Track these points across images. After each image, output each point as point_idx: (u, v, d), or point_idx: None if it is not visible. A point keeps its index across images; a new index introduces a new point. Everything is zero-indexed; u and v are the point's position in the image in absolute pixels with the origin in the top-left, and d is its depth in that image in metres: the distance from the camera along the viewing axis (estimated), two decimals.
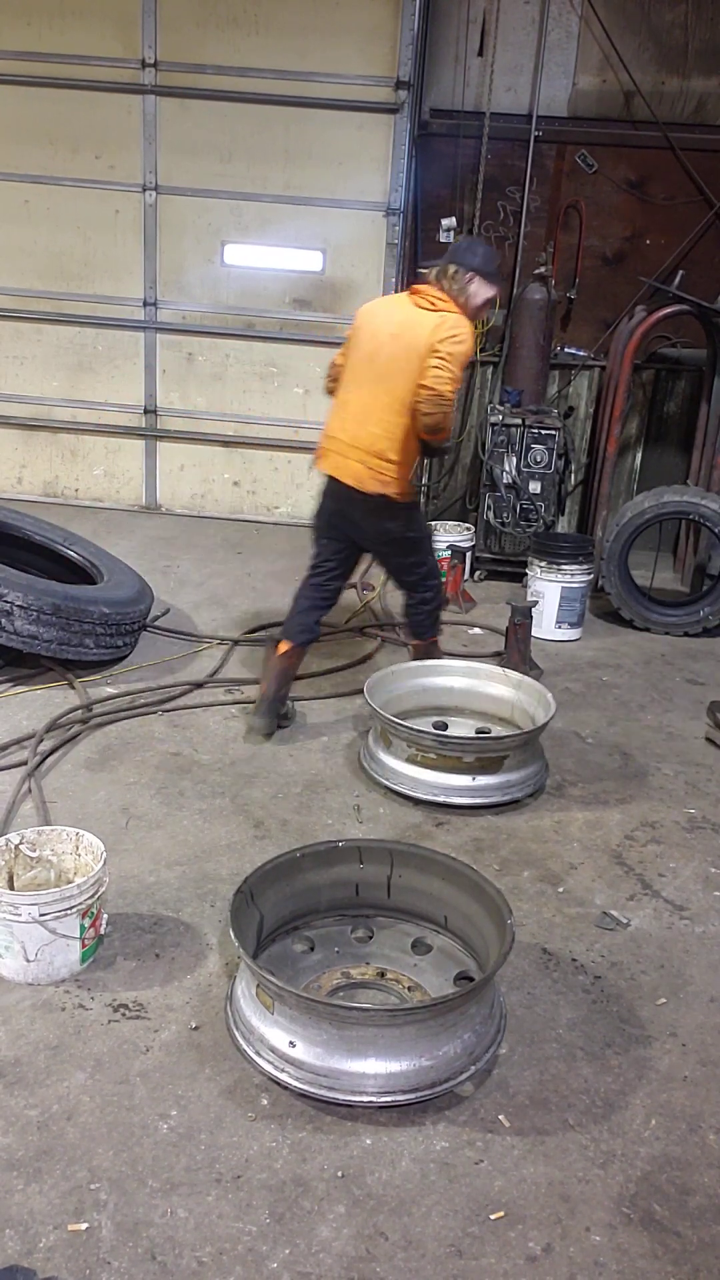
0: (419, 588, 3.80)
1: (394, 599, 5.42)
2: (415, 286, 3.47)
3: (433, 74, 6.46)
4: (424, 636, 3.96)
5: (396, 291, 6.34)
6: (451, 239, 6.58)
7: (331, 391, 3.68)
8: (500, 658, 4.49)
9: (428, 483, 7.02)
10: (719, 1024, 2.41)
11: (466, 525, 6.12)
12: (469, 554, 5.67)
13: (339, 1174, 1.95)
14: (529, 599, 4.73)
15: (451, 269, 3.42)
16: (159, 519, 6.73)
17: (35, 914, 2.31)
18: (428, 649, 4.00)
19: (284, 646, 3.68)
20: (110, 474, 6.88)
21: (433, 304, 3.38)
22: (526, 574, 5.17)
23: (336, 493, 3.56)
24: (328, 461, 3.55)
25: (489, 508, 5.69)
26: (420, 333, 3.33)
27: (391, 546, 3.65)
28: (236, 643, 4.60)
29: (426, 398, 3.31)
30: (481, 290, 3.45)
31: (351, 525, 3.62)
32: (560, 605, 4.94)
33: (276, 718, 3.71)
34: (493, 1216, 1.87)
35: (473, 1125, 2.08)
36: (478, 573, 5.90)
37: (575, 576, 4.93)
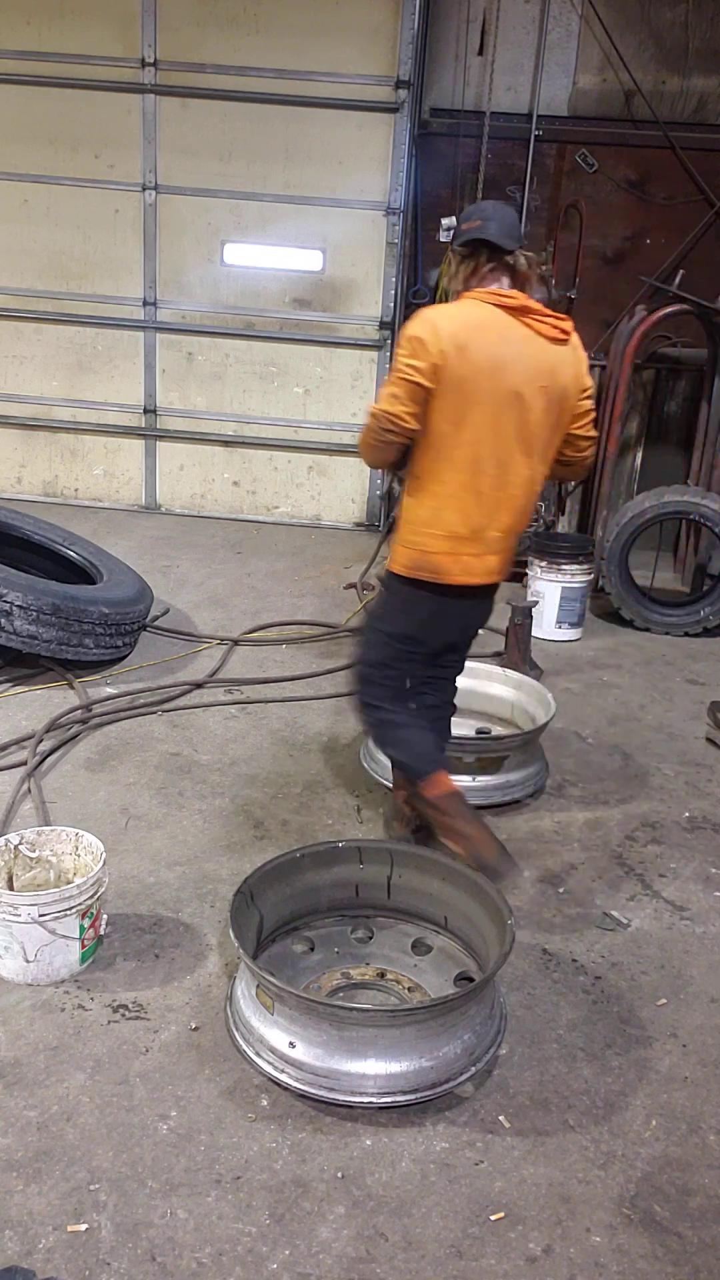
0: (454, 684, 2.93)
1: None
2: (521, 301, 2.48)
3: (433, 73, 6.46)
4: (446, 762, 2.77)
5: (396, 292, 6.33)
6: (451, 238, 6.58)
7: (391, 463, 2.65)
8: (500, 658, 4.48)
9: None
10: (719, 1025, 2.41)
11: None
12: None
13: (339, 1175, 1.94)
14: (529, 599, 4.72)
15: (525, 260, 2.54)
16: (159, 519, 6.73)
17: (35, 914, 2.31)
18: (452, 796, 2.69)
19: (445, 778, 2.67)
20: (110, 474, 6.88)
21: (563, 331, 2.51)
22: (526, 574, 5.16)
23: (467, 595, 2.63)
24: (468, 569, 2.57)
25: None
26: (569, 378, 2.52)
27: (472, 633, 2.84)
28: (236, 643, 4.60)
29: (590, 448, 2.68)
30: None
31: (471, 625, 2.77)
32: (560, 605, 4.94)
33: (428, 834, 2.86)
34: (493, 1217, 1.87)
35: (473, 1126, 2.07)
36: None
37: (575, 576, 4.93)
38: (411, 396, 2.45)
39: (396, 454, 2.60)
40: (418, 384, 2.43)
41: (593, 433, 2.67)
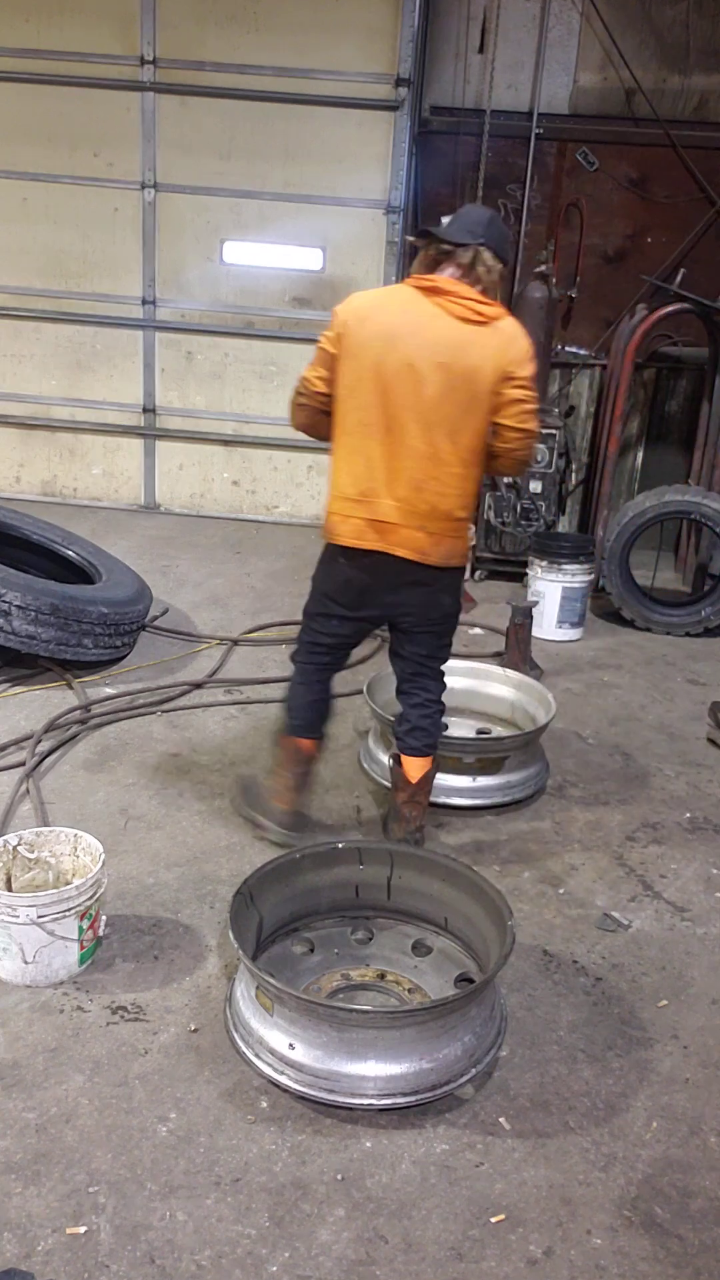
0: (440, 678, 2.97)
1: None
2: (434, 282, 2.54)
3: (433, 71, 6.45)
4: (428, 751, 2.94)
5: None
6: None
7: (306, 425, 2.79)
8: (500, 658, 4.48)
9: None
10: None
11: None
12: (469, 554, 5.65)
13: (339, 1177, 1.94)
14: (529, 599, 4.72)
15: (488, 257, 2.55)
16: (158, 518, 6.72)
17: (33, 916, 2.30)
18: (429, 781, 2.96)
19: (309, 745, 2.98)
20: (109, 473, 6.87)
21: (479, 314, 2.52)
22: (527, 574, 5.16)
23: (378, 569, 2.69)
24: (362, 532, 2.64)
25: (489, 507, 5.68)
26: (481, 358, 2.50)
27: (436, 625, 2.84)
28: (236, 643, 4.59)
29: (523, 441, 2.61)
30: (500, 290, 2.66)
31: (393, 606, 2.78)
32: (561, 605, 4.94)
33: (305, 825, 3.03)
34: (493, 1219, 1.87)
35: (473, 1128, 2.07)
36: (478, 573, 5.89)
37: (576, 576, 4.92)
38: (321, 362, 2.64)
39: (309, 417, 2.76)
40: (325, 350, 2.62)
41: (525, 425, 2.60)
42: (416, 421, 2.55)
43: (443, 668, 2.97)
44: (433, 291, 2.54)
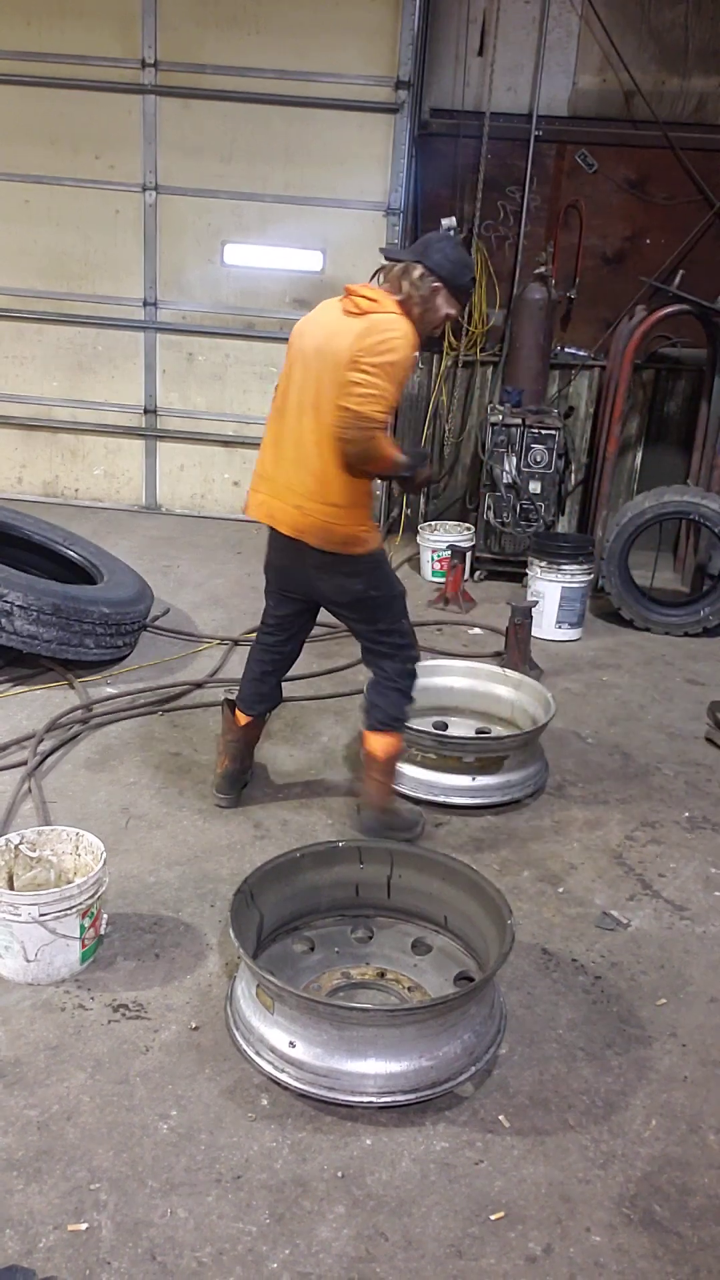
0: (394, 658, 2.99)
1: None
2: (349, 287, 2.76)
3: (433, 73, 6.46)
4: (389, 727, 3.00)
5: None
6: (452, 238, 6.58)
7: None
8: (500, 658, 4.49)
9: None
10: (719, 1024, 2.41)
11: (466, 525, 6.12)
12: (469, 554, 5.67)
13: (339, 1174, 1.94)
14: (529, 599, 4.73)
15: (417, 272, 2.71)
16: (159, 519, 6.73)
17: (35, 914, 2.31)
18: (388, 759, 3.03)
19: (243, 719, 3.18)
20: (110, 474, 6.88)
21: (359, 307, 2.69)
22: (526, 574, 5.17)
23: (279, 544, 2.92)
24: (259, 506, 2.89)
25: (489, 508, 5.69)
26: (343, 344, 2.65)
27: (354, 609, 2.94)
28: (236, 643, 4.60)
29: (342, 419, 2.62)
30: (444, 306, 2.77)
31: (303, 583, 2.94)
32: (560, 605, 4.94)
33: (241, 789, 3.27)
34: (493, 1217, 1.87)
35: (473, 1125, 2.07)
36: (478, 573, 5.90)
37: (575, 576, 4.93)
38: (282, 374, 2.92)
39: None
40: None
41: (351, 406, 2.60)
42: (297, 404, 2.78)
43: (400, 647, 2.99)
44: (346, 295, 2.77)
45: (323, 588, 2.91)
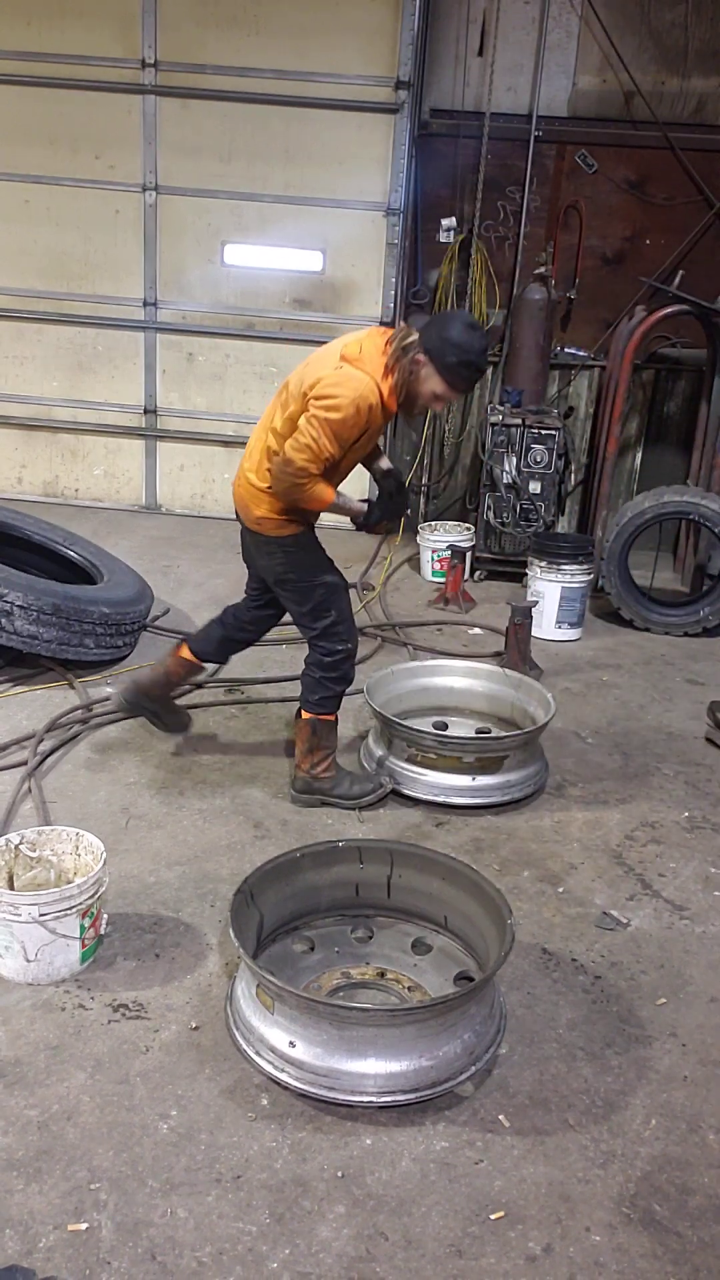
0: (315, 646, 3.16)
1: (393, 600, 5.42)
2: (372, 329, 2.95)
3: (433, 74, 6.46)
4: (307, 707, 3.20)
5: (397, 292, 6.35)
6: (451, 239, 6.58)
7: None
8: (500, 658, 4.49)
9: (427, 483, 7.01)
10: (719, 1024, 2.41)
11: (466, 525, 6.12)
12: (469, 554, 5.67)
13: (339, 1174, 1.95)
14: (529, 599, 4.73)
15: (411, 338, 2.78)
16: (159, 519, 6.73)
17: (35, 914, 2.31)
18: (311, 730, 3.21)
19: (184, 650, 3.41)
20: (110, 474, 6.88)
21: (346, 354, 2.83)
22: (526, 574, 5.17)
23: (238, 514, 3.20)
24: (237, 475, 3.17)
25: (489, 508, 5.69)
26: (312, 374, 2.84)
27: (279, 588, 3.16)
28: None
29: (274, 461, 2.85)
30: (430, 381, 2.81)
31: (248, 553, 3.23)
32: (560, 605, 4.94)
33: (139, 707, 3.44)
34: (493, 1216, 1.87)
35: (473, 1125, 2.07)
36: (478, 573, 5.90)
37: (575, 576, 4.93)
38: None
39: None
40: None
41: (284, 450, 2.80)
42: (275, 396, 3.03)
43: (318, 635, 3.13)
44: (365, 336, 2.91)
45: (256, 560, 3.18)
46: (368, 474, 3.29)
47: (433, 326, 2.80)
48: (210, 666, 3.83)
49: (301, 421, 2.78)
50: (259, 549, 3.11)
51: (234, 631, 3.41)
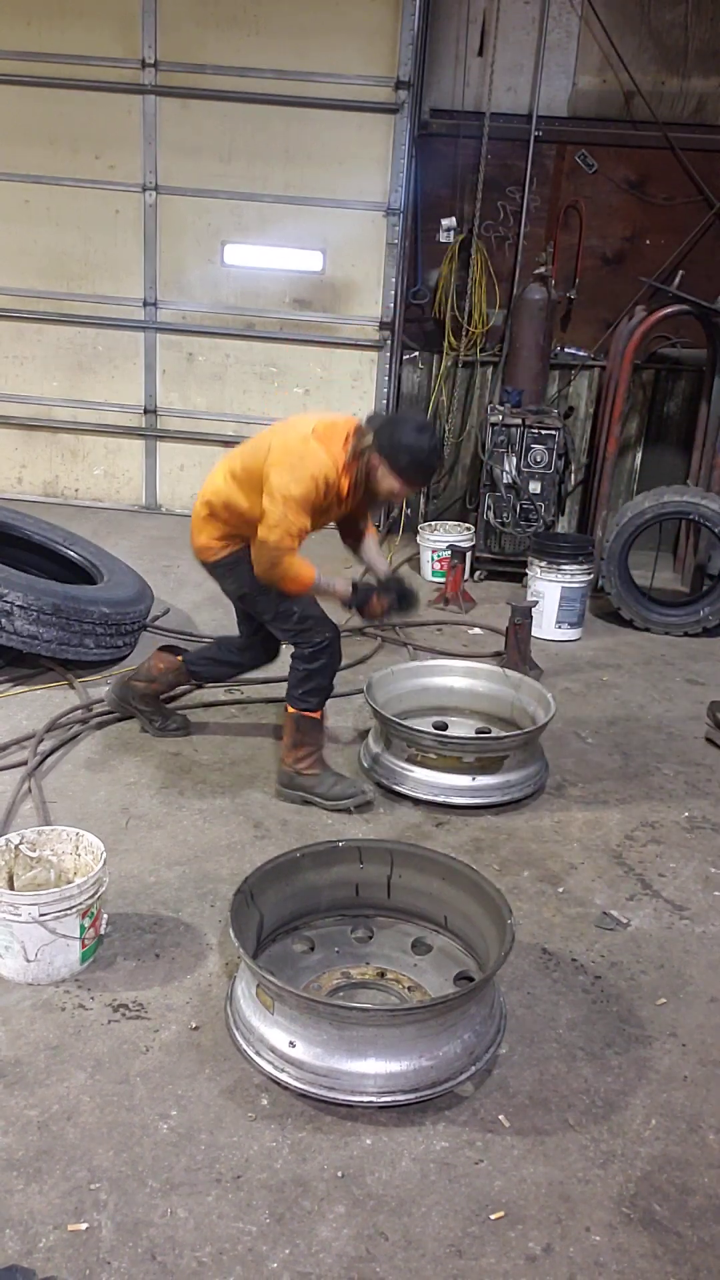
0: (295, 645, 3.26)
1: None
2: (357, 424, 3.08)
3: (433, 74, 6.46)
4: (292, 702, 3.28)
5: (397, 292, 6.36)
6: (451, 239, 6.58)
7: None
8: (500, 658, 4.49)
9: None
10: (719, 1024, 2.41)
11: (466, 525, 6.12)
12: (469, 554, 5.67)
13: (339, 1174, 1.95)
14: (529, 599, 4.73)
15: (368, 439, 2.97)
16: (159, 519, 6.73)
17: (35, 914, 2.31)
18: (295, 725, 3.27)
19: (170, 655, 3.58)
20: (110, 474, 6.88)
21: (319, 431, 3.00)
22: (526, 574, 5.17)
23: None
24: None
25: (489, 508, 5.69)
26: (280, 439, 3.03)
27: (243, 603, 3.37)
28: None
29: (254, 547, 3.04)
30: (386, 480, 2.99)
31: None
32: (560, 605, 4.94)
33: (125, 702, 3.62)
34: (493, 1216, 1.87)
35: (473, 1125, 2.07)
36: (478, 573, 5.90)
37: (575, 576, 4.93)
38: None
39: None
40: None
41: (262, 536, 2.98)
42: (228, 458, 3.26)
43: (292, 633, 3.25)
44: (329, 425, 3.08)
45: (220, 586, 3.38)
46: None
47: (385, 430, 2.97)
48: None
49: (265, 503, 2.97)
50: (213, 576, 3.33)
51: (224, 653, 3.59)
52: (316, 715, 3.30)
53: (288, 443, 3.00)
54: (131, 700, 3.62)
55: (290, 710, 3.28)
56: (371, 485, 3.04)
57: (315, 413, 3.19)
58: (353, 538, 3.49)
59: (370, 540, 3.48)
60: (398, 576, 3.36)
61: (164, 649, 3.66)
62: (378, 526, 3.44)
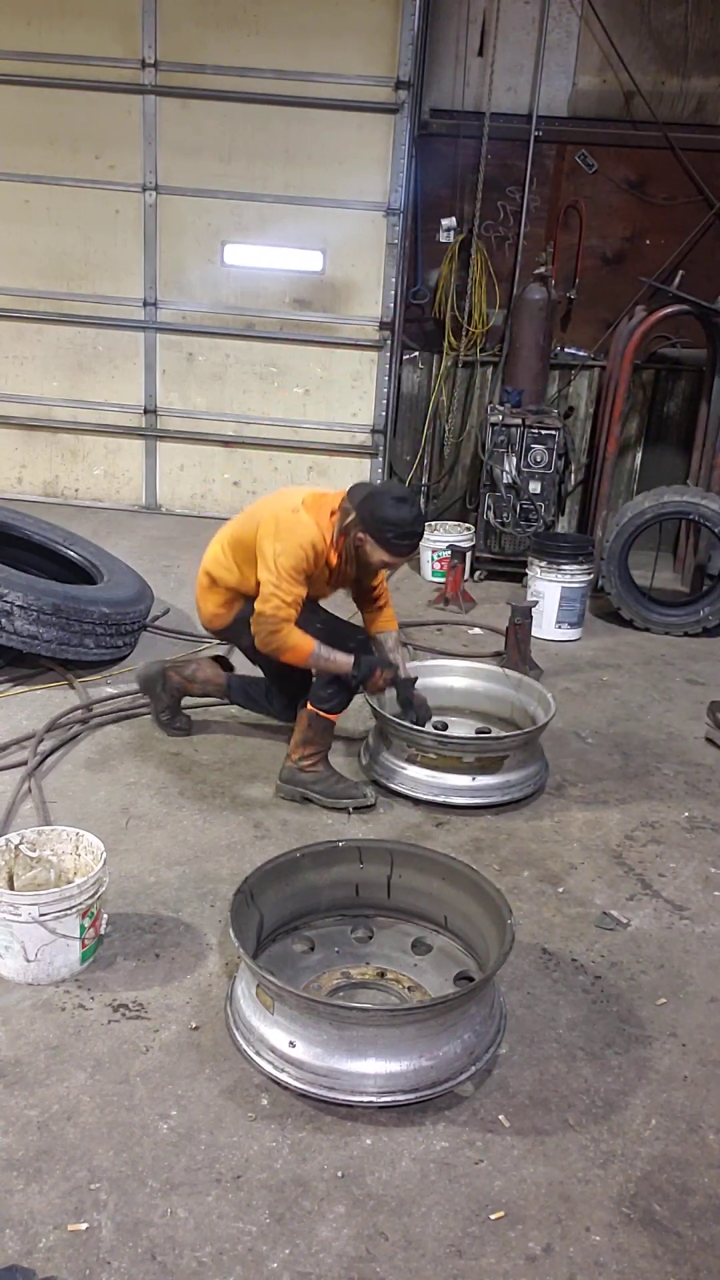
0: (311, 678, 3.35)
1: (393, 600, 5.44)
2: (322, 501, 3.19)
3: (433, 74, 6.47)
4: (314, 701, 3.30)
5: (397, 292, 6.36)
6: (451, 239, 6.59)
7: None
8: (500, 658, 4.49)
9: (427, 483, 7.02)
10: (719, 1024, 2.41)
11: (466, 525, 6.12)
12: (469, 554, 5.67)
13: (339, 1174, 1.95)
14: (529, 599, 4.73)
15: (351, 517, 3.07)
16: (159, 519, 6.73)
17: (35, 914, 2.31)
18: (308, 722, 3.29)
19: (223, 675, 3.62)
20: (110, 474, 6.88)
21: (308, 502, 3.14)
22: (526, 574, 5.17)
23: None
24: None
25: (489, 508, 5.70)
26: (272, 508, 3.15)
27: (260, 655, 3.32)
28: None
29: (252, 620, 3.11)
30: (376, 553, 3.09)
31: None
32: (560, 605, 4.95)
33: (152, 683, 3.61)
34: (493, 1216, 1.87)
35: (473, 1125, 2.07)
36: (478, 573, 5.90)
37: (575, 576, 4.93)
38: None
39: None
40: None
41: (258, 607, 3.08)
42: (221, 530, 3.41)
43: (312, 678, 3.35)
44: (317, 497, 3.21)
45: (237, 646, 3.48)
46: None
47: (366, 506, 3.04)
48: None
49: (260, 574, 3.09)
50: (228, 641, 3.50)
51: (258, 693, 3.60)
52: (333, 719, 3.32)
53: (278, 514, 3.12)
54: (159, 687, 3.61)
55: (309, 707, 3.30)
56: (362, 560, 3.15)
57: (305, 487, 3.32)
58: (371, 625, 3.53)
59: (388, 637, 3.48)
60: (416, 692, 3.37)
61: (216, 659, 3.70)
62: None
